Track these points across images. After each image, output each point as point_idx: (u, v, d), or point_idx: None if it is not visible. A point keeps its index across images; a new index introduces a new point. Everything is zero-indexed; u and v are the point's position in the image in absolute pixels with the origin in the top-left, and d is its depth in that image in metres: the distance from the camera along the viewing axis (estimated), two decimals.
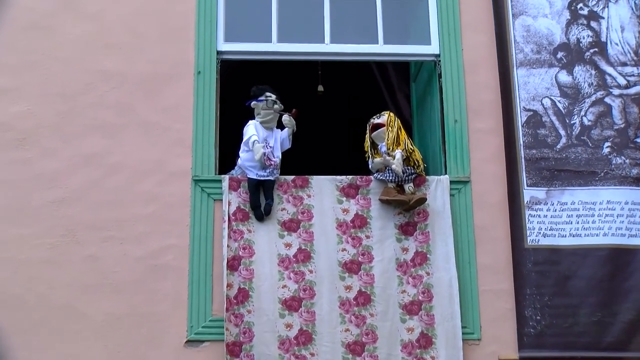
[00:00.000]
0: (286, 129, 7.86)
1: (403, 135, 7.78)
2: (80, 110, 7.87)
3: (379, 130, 7.85)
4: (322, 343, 7.35)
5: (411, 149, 7.75)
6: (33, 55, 7.96)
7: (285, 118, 7.80)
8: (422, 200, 7.63)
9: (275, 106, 7.76)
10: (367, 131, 7.94)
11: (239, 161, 7.78)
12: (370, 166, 7.92)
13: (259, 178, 7.61)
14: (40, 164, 7.70)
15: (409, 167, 7.71)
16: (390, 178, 7.68)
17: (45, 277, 7.45)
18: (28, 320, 7.36)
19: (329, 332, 7.38)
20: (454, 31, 8.26)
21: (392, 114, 7.93)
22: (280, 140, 7.83)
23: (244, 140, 7.72)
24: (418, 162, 7.77)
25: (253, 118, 7.81)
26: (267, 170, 7.61)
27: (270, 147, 7.67)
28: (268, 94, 7.80)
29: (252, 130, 7.68)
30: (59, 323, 7.37)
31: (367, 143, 7.94)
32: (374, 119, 7.93)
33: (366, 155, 7.94)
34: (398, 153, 7.64)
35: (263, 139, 7.65)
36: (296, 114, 7.84)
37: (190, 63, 8.03)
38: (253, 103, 7.82)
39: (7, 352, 7.25)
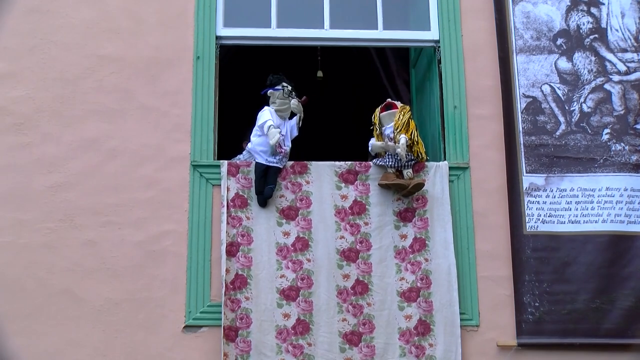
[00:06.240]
0: (295, 117, 7.89)
1: (413, 125, 7.77)
2: (79, 95, 7.86)
3: (390, 111, 7.84)
4: (319, 333, 7.36)
5: (416, 140, 7.73)
6: (33, 39, 7.96)
7: (294, 103, 7.81)
8: (421, 185, 7.62)
9: (292, 100, 7.78)
10: (379, 108, 7.92)
11: (249, 145, 7.79)
12: (370, 148, 7.92)
13: (268, 164, 7.62)
14: (39, 149, 7.70)
15: (409, 154, 7.69)
16: (390, 163, 7.68)
17: (44, 262, 7.46)
18: (27, 305, 7.38)
19: (327, 321, 7.40)
20: (454, 17, 8.25)
21: (408, 107, 7.94)
22: (290, 129, 7.86)
23: (257, 124, 7.75)
24: (421, 154, 7.77)
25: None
26: (277, 158, 7.63)
27: (282, 135, 7.66)
28: (285, 83, 7.83)
29: (267, 115, 7.70)
30: (57, 308, 7.39)
31: (376, 117, 7.90)
32: (391, 99, 7.95)
33: (372, 128, 7.92)
34: (403, 138, 7.61)
35: (276, 126, 7.65)
36: (306, 101, 7.85)
37: (190, 48, 8.02)
38: (270, 91, 7.83)
39: (6, 337, 7.25)
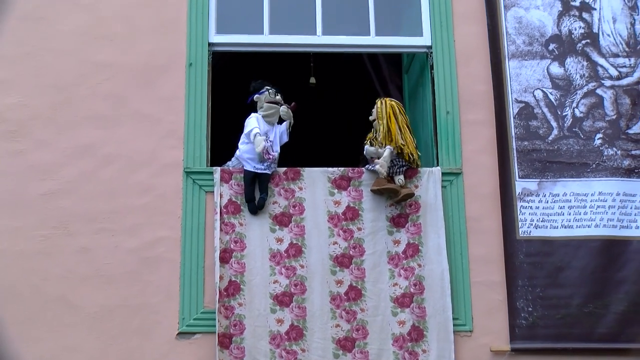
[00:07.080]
0: (284, 123, 7.87)
1: (394, 127, 7.75)
2: (73, 101, 7.87)
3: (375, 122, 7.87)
4: (313, 339, 7.36)
5: (402, 143, 7.70)
6: (26, 46, 7.96)
7: (284, 109, 7.80)
8: (410, 195, 7.62)
9: (278, 97, 7.79)
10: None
11: (237, 152, 7.77)
12: (364, 151, 7.91)
13: (256, 171, 7.61)
14: (33, 156, 7.70)
15: (401, 159, 7.70)
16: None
17: (38, 269, 7.46)
18: (22, 311, 7.38)
19: (320, 327, 7.39)
20: (446, 23, 8.25)
21: (380, 103, 7.87)
22: (279, 134, 7.84)
23: (245, 131, 7.73)
24: (412, 155, 7.75)
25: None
26: (265, 164, 7.61)
27: (270, 141, 7.66)
28: (268, 86, 7.83)
29: (254, 122, 7.69)
30: (52, 314, 7.39)
31: (370, 135, 7.91)
32: (370, 117, 7.93)
33: (365, 142, 7.93)
34: (387, 150, 7.64)
35: (264, 132, 7.65)
36: (295, 107, 7.85)
37: (183, 55, 8.03)
38: (256, 96, 7.84)
39: (1, 344, 7.26)
